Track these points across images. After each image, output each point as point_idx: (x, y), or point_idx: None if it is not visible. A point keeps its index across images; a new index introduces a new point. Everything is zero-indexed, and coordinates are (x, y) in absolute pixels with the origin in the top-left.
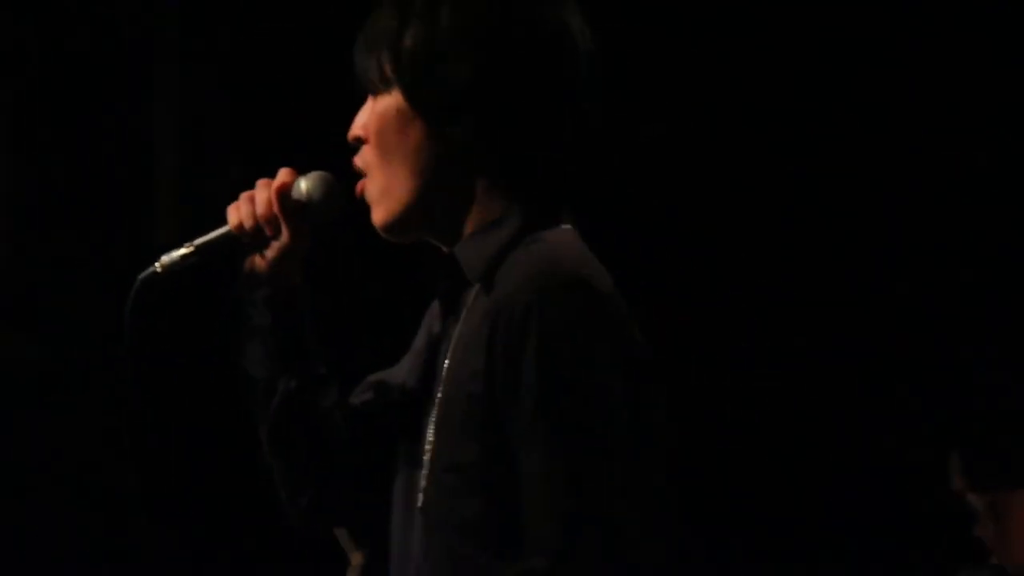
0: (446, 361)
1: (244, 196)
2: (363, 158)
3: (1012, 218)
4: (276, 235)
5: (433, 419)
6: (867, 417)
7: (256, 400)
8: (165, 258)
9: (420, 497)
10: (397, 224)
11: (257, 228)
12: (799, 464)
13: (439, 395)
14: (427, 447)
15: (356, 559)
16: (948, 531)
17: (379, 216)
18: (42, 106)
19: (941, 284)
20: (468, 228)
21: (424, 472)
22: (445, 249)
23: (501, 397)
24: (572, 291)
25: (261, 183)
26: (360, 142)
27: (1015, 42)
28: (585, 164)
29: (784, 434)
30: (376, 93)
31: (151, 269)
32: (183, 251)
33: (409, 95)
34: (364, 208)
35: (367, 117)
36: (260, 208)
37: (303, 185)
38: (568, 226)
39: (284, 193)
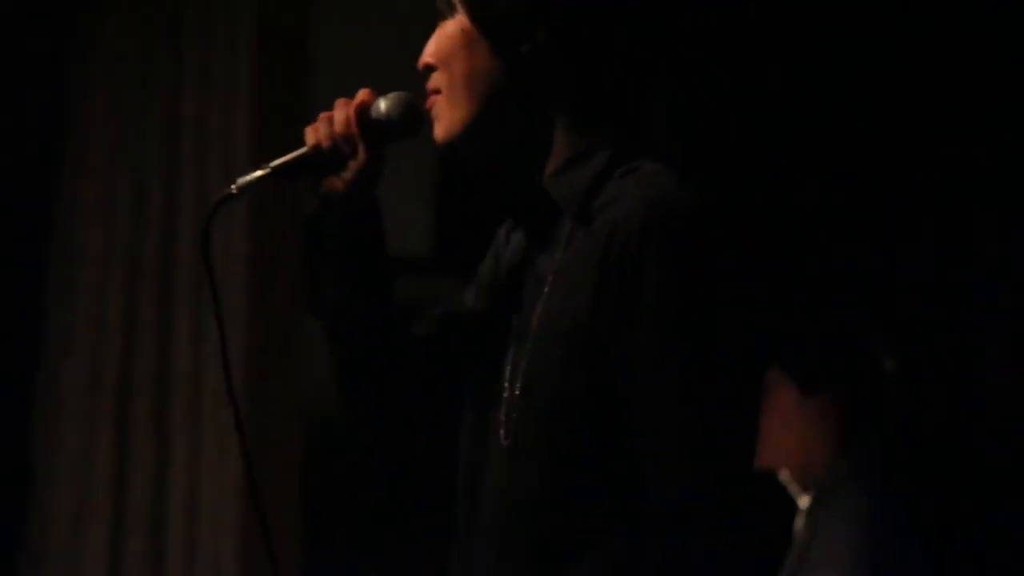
0: (544, 292)
1: (323, 116)
2: (434, 81)
3: None
4: (353, 155)
5: (525, 352)
6: None
7: (328, 321)
8: (241, 180)
9: (502, 433)
10: (457, 140)
11: (334, 147)
12: None
13: (533, 327)
14: (511, 382)
15: None
16: None
17: (439, 131)
18: None
19: None
20: (553, 161)
21: (509, 407)
22: (523, 183)
23: (613, 321)
24: (690, 212)
25: (340, 102)
26: (430, 69)
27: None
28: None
29: None
30: (444, 19)
31: (227, 191)
32: (259, 173)
33: (473, 15)
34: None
35: (435, 42)
36: (338, 127)
37: (382, 105)
38: (659, 164)
39: (363, 111)
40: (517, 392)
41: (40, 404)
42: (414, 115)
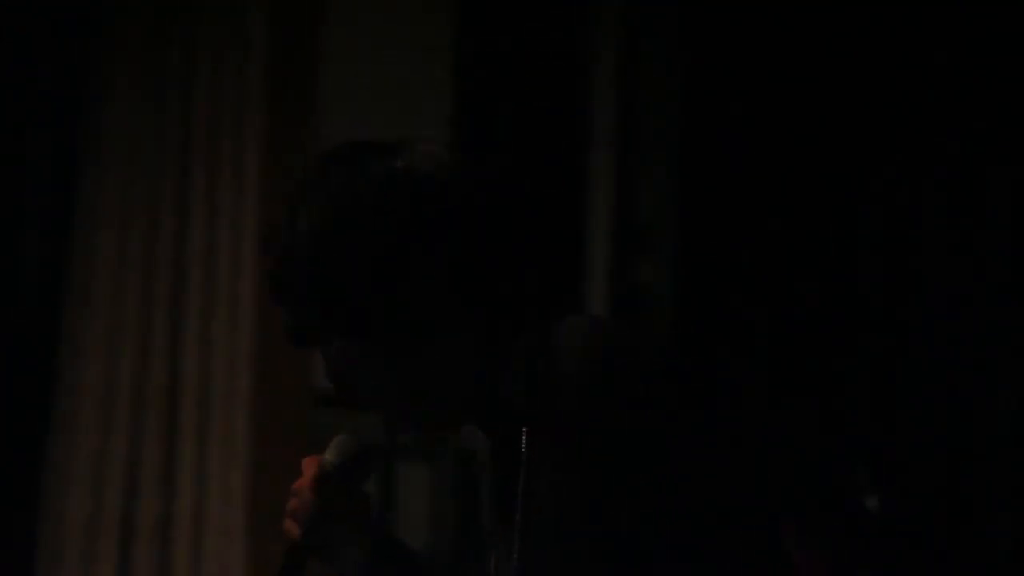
0: (520, 485)
1: (290, 512)
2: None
3: None
4: (336, 516)
5: (514, 552)
6: None
7: None
8: None
9: None
10: (452, 425)
11: (314, 526)
12: None
13: (518, 525)
14: None
15: None
16: None
17: (431, 439)
18: None
19: None
20: (489, 367)
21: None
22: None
23: (608, 509)
24: (640, 380)
25: (294, 488)
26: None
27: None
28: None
29: None
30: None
31: None
32: None
33: (332, 326)
34: None
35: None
36: (309, 510)
37: (328, 459)
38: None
39: (324, 484)
40: None
41: (57, 412)
42: (357, 450)
